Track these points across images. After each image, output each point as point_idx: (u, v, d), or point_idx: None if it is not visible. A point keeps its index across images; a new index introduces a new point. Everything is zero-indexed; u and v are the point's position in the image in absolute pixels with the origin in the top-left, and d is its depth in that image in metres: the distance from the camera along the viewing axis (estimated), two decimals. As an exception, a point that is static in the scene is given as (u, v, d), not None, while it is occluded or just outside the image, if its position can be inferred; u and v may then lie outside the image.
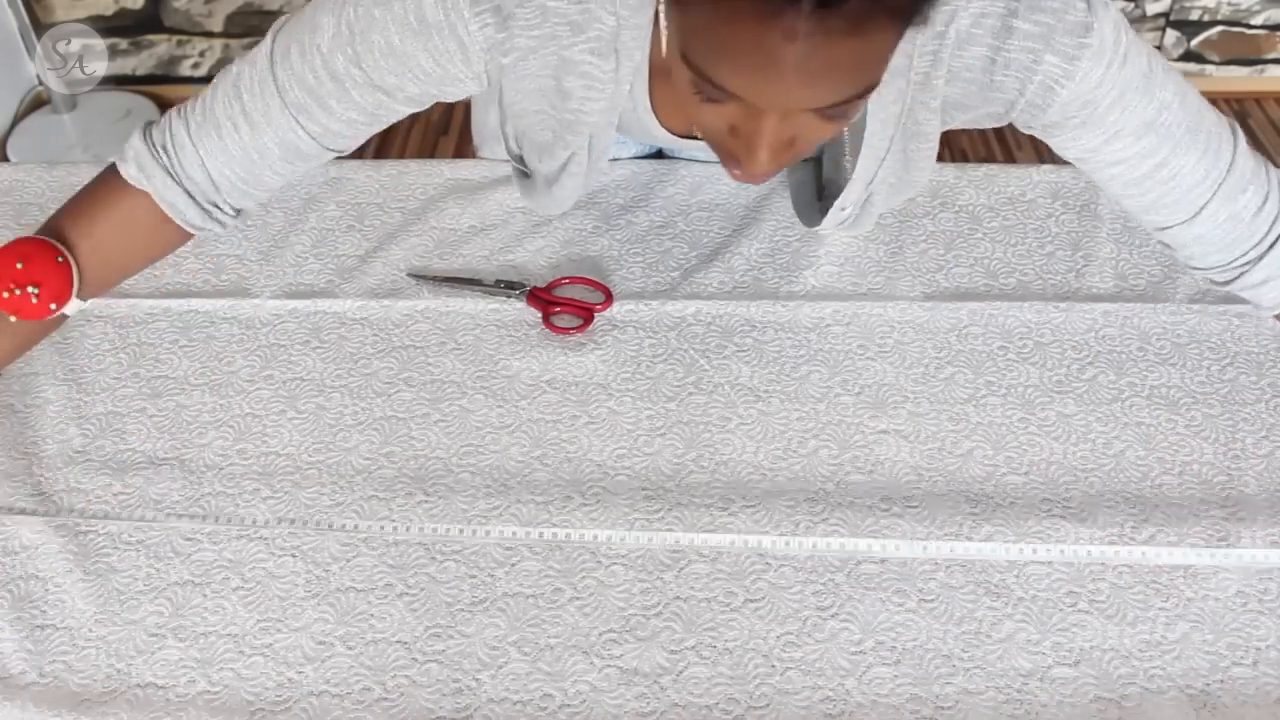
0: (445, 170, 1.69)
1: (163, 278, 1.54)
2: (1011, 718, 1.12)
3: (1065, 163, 1.26)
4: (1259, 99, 3.43)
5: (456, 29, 1.11)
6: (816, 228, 1.45)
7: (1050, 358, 1.42)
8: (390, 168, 1.67)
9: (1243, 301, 1.34)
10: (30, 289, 1.21)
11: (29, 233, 1.59)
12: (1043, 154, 2.86)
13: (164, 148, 1.22)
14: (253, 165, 1.22)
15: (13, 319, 1.23)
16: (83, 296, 1.26)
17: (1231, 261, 1.24)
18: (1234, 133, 1.21)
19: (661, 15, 0.99)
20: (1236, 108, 3.40)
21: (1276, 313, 1.29)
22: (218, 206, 1.26)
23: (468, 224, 1.60)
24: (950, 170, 1.67)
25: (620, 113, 1.24)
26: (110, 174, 1.25)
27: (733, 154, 1.03)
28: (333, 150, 1.24)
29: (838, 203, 1.37)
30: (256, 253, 1.57)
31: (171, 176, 1.22)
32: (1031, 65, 1.12)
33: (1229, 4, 3.29)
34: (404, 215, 1.62)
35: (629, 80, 1.17)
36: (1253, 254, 1.23)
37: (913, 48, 1.14)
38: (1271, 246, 1.22)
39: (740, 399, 1.39)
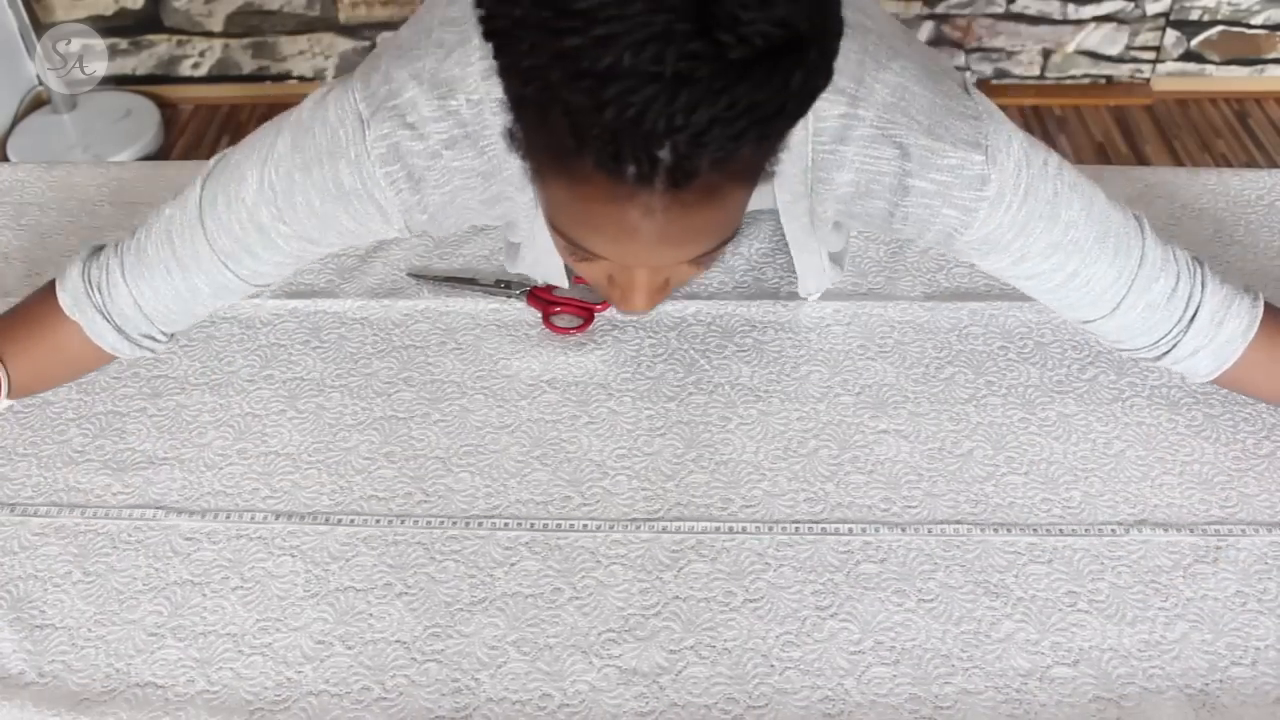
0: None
1: (163, 278, 1.54)
2: (1010, 717, 1.12)
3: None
4: (1259, 99, 3.42)
5: (374, 194, 1.15)
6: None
7: (1051, 357, 1.42)
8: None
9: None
10: None
11: (28, 232, 1.60)
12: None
13: (98, 287, 1.28)
14: (184, 302, 1.28)
15: None
16: (13, 398, 1.34)
17: (1158, 341, 1.26)
18: (1140, 224, 1.23)
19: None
20: (1236, 108, 3.39)
21: (1207, 380, 1.30)
22: (150, 336, 1.32)
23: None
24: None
25: None
26: (49, 296, 1.30)
27: (613, 297, 1.07)
28: (260, 286, 1.30)
29: (801, 289, 1.45)
30: (257, 253, 1.57)
31: (102, 315, 1.28)
32: (929, 219, 1.16)
33: (1229, 4, 3.29)
34: (404, 215, 1.62)
35: None
36: (1175, 331, 1.24)
37: (807, 180, 1.18)
38: (1192, 321, 1.24)
39: (740, 399, 1.39)
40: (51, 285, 1.30)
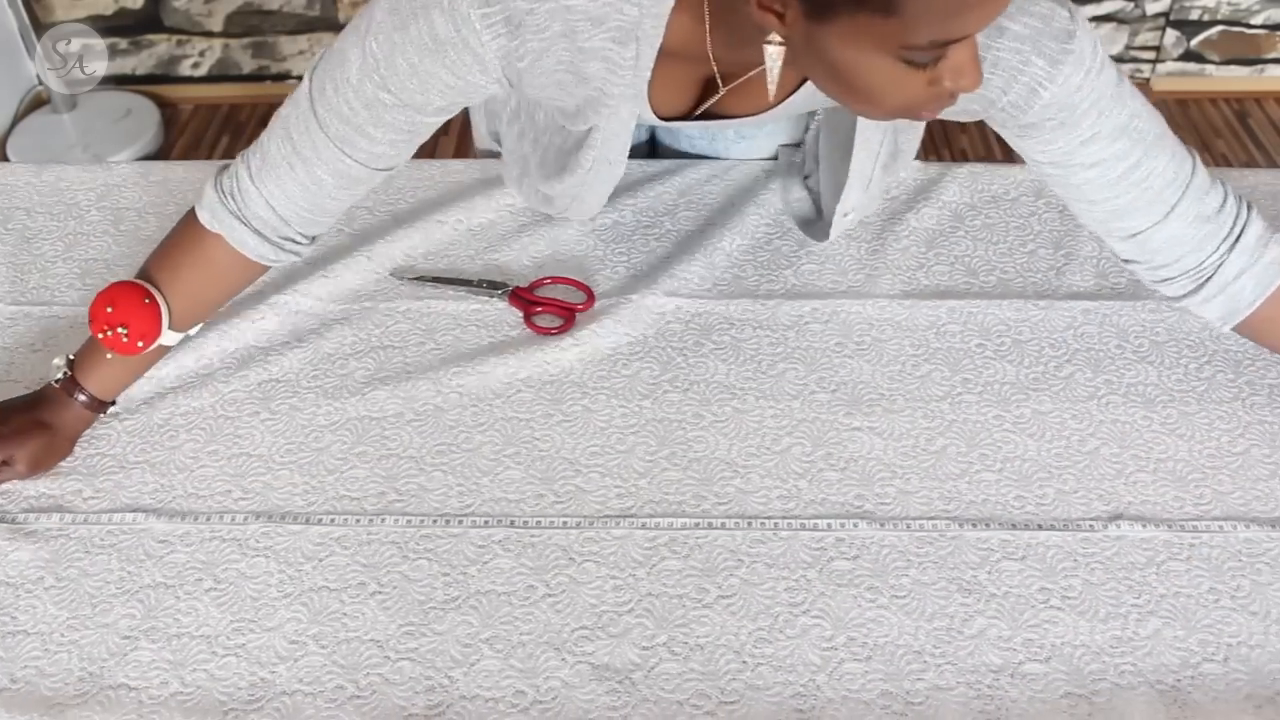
0: (429, 171, 1.69)
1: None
2: (982, 713, 1.12)
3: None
4: (1259, 99, 3.41)
5: (470, 42, 1.15)
6: (827, 240, 1.53)
7: (1028, 355, 1.42)
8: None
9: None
10: (120, 329, 1.30)
11: (13, 236, 1.61)
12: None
13: (231, 194, 1.30)
14: (313, 197, 1.29)
15: (109, 355, 1.33)
16: (178, 329, 1.35)
17: (1203, 262, 1.26)
18: (1190, 149, 1.26)
19: (833, 34, 1.02)
20: (1236, 108, 3.38)
21: (1248, 314, 1.29)
22: (290, 239, 1.33)
23: (452, 224, 1.61)
24: (934, 168, 1.67)
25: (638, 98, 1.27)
26: (190, 218, 1.33)
27: (930, 102, 1.08)
28: (382, 170, 1.30)
29: (839, 208, 1.45)
30: (238, 255, 1.57)
31: (240, 220, 1.29)
32: (1019, 66, 1.16)
33: (1229, 4, 3.28)
34: (388, 216, 1.62)
35: (649, 67, 1.21)
36: (1222, 248, 1.25)
37: None
38: (1239, 239, 1.25)
39: (715, 396, 1.39)
40: (192, 212, 1.32)
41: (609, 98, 1.25)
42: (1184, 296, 1.30)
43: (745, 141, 1.67)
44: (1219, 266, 1.26)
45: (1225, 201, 1.26)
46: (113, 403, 1.38)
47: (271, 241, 1.31)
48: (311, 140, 1.25)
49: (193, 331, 1.38)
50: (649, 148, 1.76)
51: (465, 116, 1.59)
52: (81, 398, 1.34)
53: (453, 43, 1.16)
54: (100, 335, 1.30)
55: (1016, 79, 1.16)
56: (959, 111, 1.20)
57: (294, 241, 1.33)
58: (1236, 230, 1.26)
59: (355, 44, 1.20)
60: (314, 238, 1.35)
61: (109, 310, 1.30)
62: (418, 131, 1.26)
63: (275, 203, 1.28)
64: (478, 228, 1.61)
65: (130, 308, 1.30)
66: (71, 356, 1.35)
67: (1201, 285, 1.28)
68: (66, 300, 1.54)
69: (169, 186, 1.69)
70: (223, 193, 1.29)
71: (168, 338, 1.33)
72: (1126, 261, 1.32)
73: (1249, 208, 1.27)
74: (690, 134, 1.69)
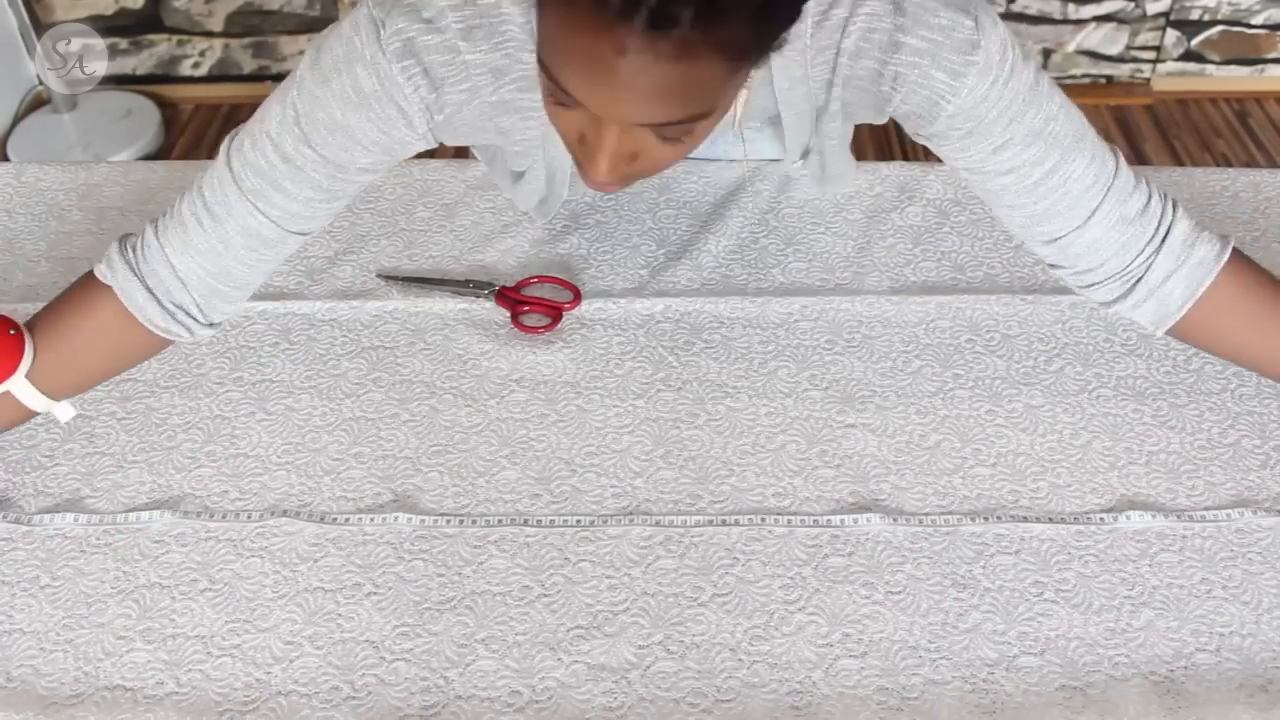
0: (414, 171, 1.69)
1: (132, 282, 1.54)
2: (978, 707, 1.12)
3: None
4: (1259, 99, 3.44)
5: (394, 95, 1.15)
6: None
7: (1017, 350, 1.43)
8: (359, 169, 1.67)
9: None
10: None
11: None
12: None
13: (132, 248, 1.25)
14: (218, 257, 1.24)
15: None
16: (50, 391, 1.27)
17: (1129, 265, 1.23)
18: (1114, 149, 1.23)
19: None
20: (1236, 108, 3.40)
21: (1179, 317, 1.25)
22: (183, 309, 1.26)
23: (437, 225, 1.61)
24: (917, 165, 1.67)
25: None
26: (87, 274, 1.28)
27: (581, 161, 1.08)
28: (295, 233, 1.25)
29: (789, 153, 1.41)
30: (226, 256, 1.57)
31: (134, 273, 1.24)
32: (919, 80, 1.15)
33: (1229, 4, 3.30)
34: (373, 216, 1.62)
35: None
36: (1148, 250, 1.22)
37: (805, 59, 1.19)
38: (1165, 240, 1.22)
39: (708, 395, 1.39)
40: (90, 272, 1.27)
41: (531, 143, 1.26)
42: (1114, 302, 1.27)
43: (748, 144, 1.66)
44: (1147, 269, 1.23)
45: (1150, 202, 1.22)
46: None
47: (163, 305, 1.24)
48: (224, 195, 1.21)
49: (66, 413, 1.31)
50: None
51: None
52: None
53: (377, 96, 1.15)
54: None
55: (916, 92, 1.16)
56: (868, 116, 1.23)
57: (186, 313, 1.26)
58: (1162, 231, 1.22)
59: (277, 100, 1.19)
60: (212, 323, 1.30)
61: None
62: (336, 192, 1.23)
63: (176, 261, 1.23)
64: (459, 228, 1.61)
65: None
66: None
67: (1130, 290, 1.25)
68: (52, 297, 1.52)
69: (150, 185, 1.69)
70: (124, 246, 1.25)
71: (28, 395, 1.26)
72: (1052, 266, 1.29)
73: (1175, 207, 1.23)
74: None
